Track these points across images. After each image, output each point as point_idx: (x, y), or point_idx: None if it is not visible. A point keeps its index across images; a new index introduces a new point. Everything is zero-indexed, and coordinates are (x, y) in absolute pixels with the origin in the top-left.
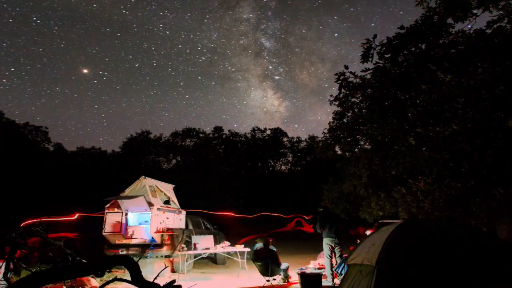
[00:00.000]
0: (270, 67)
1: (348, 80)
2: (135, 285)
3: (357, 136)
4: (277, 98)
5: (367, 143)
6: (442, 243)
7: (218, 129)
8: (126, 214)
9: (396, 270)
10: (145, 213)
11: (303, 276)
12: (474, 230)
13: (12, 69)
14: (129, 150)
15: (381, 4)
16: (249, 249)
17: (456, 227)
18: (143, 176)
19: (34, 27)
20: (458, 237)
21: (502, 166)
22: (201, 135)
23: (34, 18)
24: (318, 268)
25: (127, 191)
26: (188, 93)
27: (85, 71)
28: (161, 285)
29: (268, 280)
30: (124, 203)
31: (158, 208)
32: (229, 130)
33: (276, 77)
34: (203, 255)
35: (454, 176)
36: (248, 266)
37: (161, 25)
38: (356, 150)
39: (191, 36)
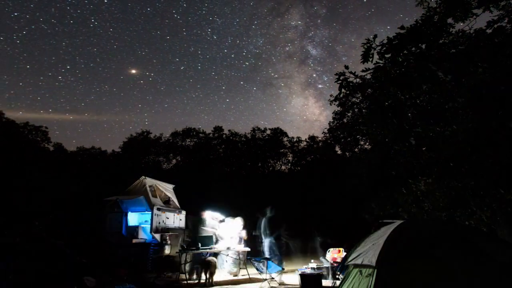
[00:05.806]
0: (314, 75)
1: (348, 80)
2: None
3: (357, 136)
4: (318, 107)
5: (367, 143)
6: (442, 243)
7: (218, 129)
8: (126, 214)
9: (397, 270)
10: (145, 213)
11: (303, 276)
12: (474, 230)
13: (68, 67)
14: (129, 150)
15: None
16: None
17: (456, 227)
18: (143, 176)
19: (92, 28)
20: (458, 237)
21: (503, 166)
22: (201, 135)
23: (92, 20)
24: (318, 268)
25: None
26: (229, 97)
27: (133, 71)
28: None
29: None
30: (124, 203)
31: (158, 208)
32: (229, 130)
33: (320, 86)
34: None
35: (454, 176)
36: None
37: (209, 30)
38: (356, 150)
39: (237, 41)
